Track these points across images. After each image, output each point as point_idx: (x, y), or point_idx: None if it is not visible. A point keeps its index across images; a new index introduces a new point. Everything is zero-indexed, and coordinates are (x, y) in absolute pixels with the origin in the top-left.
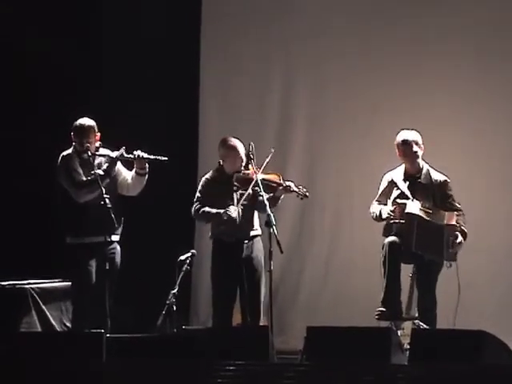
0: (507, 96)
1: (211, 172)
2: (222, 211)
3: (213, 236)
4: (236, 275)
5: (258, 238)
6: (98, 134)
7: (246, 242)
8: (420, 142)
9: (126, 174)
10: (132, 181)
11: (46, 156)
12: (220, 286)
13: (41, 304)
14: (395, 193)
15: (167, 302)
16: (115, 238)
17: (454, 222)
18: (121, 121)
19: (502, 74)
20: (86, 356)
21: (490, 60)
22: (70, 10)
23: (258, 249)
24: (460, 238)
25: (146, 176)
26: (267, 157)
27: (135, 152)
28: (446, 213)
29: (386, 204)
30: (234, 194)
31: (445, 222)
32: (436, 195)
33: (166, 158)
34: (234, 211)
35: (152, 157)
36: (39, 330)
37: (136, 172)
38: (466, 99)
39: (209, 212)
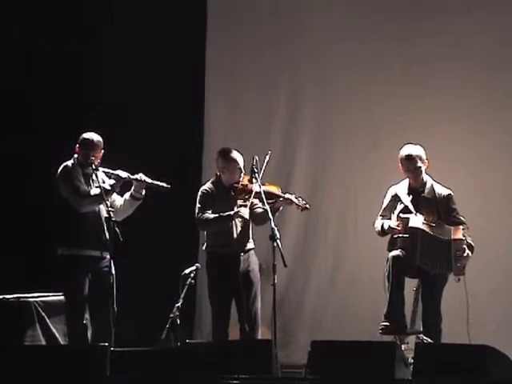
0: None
1: (209, 184)
2: (232, 212)
3: (208, 248)
4: (233, 288)
5: (253, 250)
6: (102, 152)
7: (242, 254)
8: (424, 156)
9: (116, 198)
10: (123, 204)
11: (46, 166)
12: (218, 301)
13: (45, 317)
14: (399, 207)
15: (171, 315)
16: (107, 254)
17: (460, 236)
18: (125, 136)
19: (506, 87)
20: (90, 370)
21: (496, 74)
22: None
23: (254, 262)
24: (467, 252)
25: (141, 201)
26: (264, 159)
27: (137, 175)
28: (452, 227)
29: (389, 218)
30: (235, 207)
31: (451, 236)
32: (440, 209)
33: (169, 186)
34: (245, 212)
35: (155, 182)
36: (43, 343)
37: (132, 195)
38: (471, 113)
39: (216, 217)
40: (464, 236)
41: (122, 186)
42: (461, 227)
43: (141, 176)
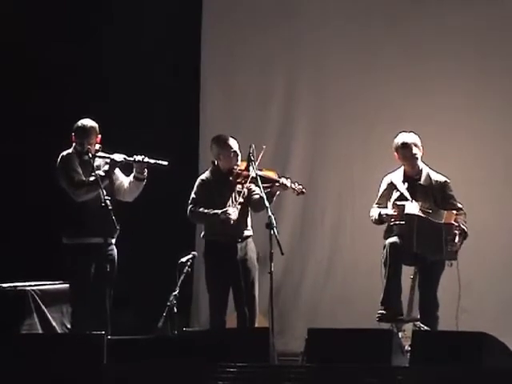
0: (508, 96)
1: (207, 172)
2: (219, 212)
3: (206, 236)
4: (231, 276)
5: (251, 238)
6: (99, 136)
7: (240, 242)
8: (419, 143)
9: (123, 179)
10: (129, 186)
11: (44, 157)
12: (216, 288)
13: (42, 306)
14: (395, 195)
15: (168, 303)
16: (113, 240)
17: (452, 221)
18: (120, 121)
19: (503, 74)
20: (87, 358)
21: (490, 60)
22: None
23: (252, 249)
24: (458, 237)
25: (145, 181)
26: (260, 153)
27: (135, 156)
28: (445, 212)
29: (385, 207)
30: (233, 194)
31: (443, 220)
32: (437, 196)
33: (167, 163)
34: (233, 213)
35: (152, 161)
36: (40, 331)
37: (135, 177)
38: (467, 99)
39: (205, 213)
40: (457, 221)
41: (126, 169)
42: (454, 212)
43: (138, 157)
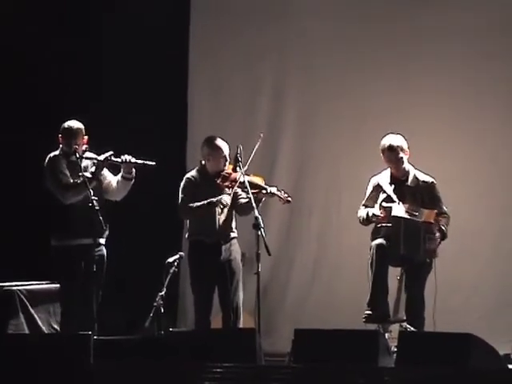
0: (495, 95)
1: (193, 172)
2: (214, 199)
3: (190, 237)
4: (215, 277)
5: (235, 239)
6: (86, 137)
7: (224, 243)
8: (405, 147)
9: (112, 179)
10: (117, 185)
11: (33, 159)
12: (200, 289)
13: (28, 306)
14: (381, 196)
15: (155, 304)
16: (102, 240)
17: (431, 220)
18: (109, 122)
19: (489, 73)
20: (74, 358)
21: (477, 59)
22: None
23: (236, 251)
24: (437, 236)
25: (133, 181)
26: (256, 144)
27: (123, 156)
28: (426, 210)
29: (373, 208)
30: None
31: (422, 219)
32: (424, 197)
33: (154, 163)
34: (227, 199)
35: (140, 161)
36: (27, 332)
37: (122, 176)
38: (454, 98)
39: (198, 206)
40: (437, 221)
41: (115, 169)
42: (435, 211)
43: (125, 157)
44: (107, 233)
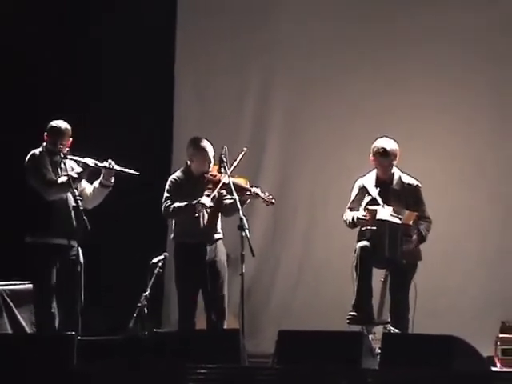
0: (492, 97)
1: (178, 172)
2: (194, 202)
3: (175, 238)
4: (200, 278)
5: (221, 241)
6: (71, 139)
7: (209, 244)
8: (398, 152)
9: (86, 186)
10: (93, 192)
11: (12, 156)
12: (185, 290)
13: (11, 306)
14: (367, 199)
15: (139, 304)
16: (76, 242)
17: (410, 223)
18: (94, 121)
19: (488, 74)
20: (57, 358)
21: (475, 60)
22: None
23: (222, 251)
24: (414, 238)
25: (110, 189)
26: (238, 156)
27: (107, 163)
28: (407, 212)
29: (358, 210)
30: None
31: (402, 220)
32: (409, 200)
33: (138, 173)
34: (205, 200)
35: (124, 169)
36: (10, 331)
37: (101, 183)
38: (445, 98)
39: (180, 206)
40: (417, 224)
41: (92, 174)
42: (415, 213)
43: (110, 163)
44: (83, 234)
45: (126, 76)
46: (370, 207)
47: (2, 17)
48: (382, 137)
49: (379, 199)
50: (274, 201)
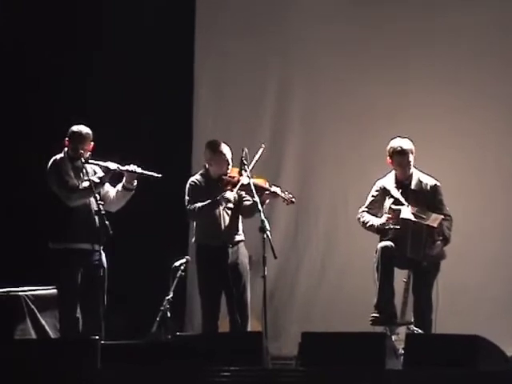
0: (505, 98)
1: (197, 175)
2: (218, 197)
3: (197, 241)
4: (222, 280)
5: (242, 243)
6: (92, 144)
7: (231, 246)
8: (414, 150)
9: (109, 189)
10: (116, 195)
11: (34, 162)
12: (208, 292)
13: (35, 311)
14: (389, 200)
15: (161, 308)
16: (100, 246)
17: (435, 225)
18: (113, 126)
19: (500, 76)
20: (81, 363)
21: (488, 62)
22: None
23: (243, 254)
24: (438, 243)
25: (133, 192)
26: (257, 153)
27: (128, 166)
28: (433, 214)
29: (377, 213)
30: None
31: (427, 222)
32: (428, 200)
33: (160, 175)
34: (230, 194)
35: (146, 172)
36: (34, 337)
37: (124, 186)
38: (460, 100)
39: (204, 205)
40: (440, 226)
41: (114, 178)
42: (441, 217)
43: (131, 167)
44: (105, 239)
45: (145, 77)
46: (393, 206)
47: (2, 17)
48: (395, 137)
49: (402, 199)
50: (294, 200)
